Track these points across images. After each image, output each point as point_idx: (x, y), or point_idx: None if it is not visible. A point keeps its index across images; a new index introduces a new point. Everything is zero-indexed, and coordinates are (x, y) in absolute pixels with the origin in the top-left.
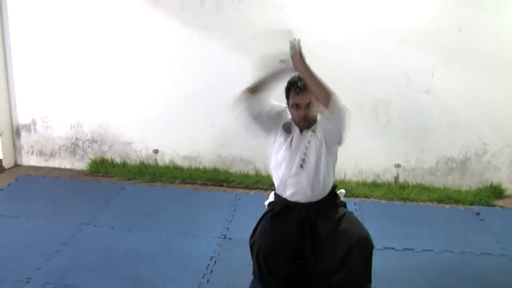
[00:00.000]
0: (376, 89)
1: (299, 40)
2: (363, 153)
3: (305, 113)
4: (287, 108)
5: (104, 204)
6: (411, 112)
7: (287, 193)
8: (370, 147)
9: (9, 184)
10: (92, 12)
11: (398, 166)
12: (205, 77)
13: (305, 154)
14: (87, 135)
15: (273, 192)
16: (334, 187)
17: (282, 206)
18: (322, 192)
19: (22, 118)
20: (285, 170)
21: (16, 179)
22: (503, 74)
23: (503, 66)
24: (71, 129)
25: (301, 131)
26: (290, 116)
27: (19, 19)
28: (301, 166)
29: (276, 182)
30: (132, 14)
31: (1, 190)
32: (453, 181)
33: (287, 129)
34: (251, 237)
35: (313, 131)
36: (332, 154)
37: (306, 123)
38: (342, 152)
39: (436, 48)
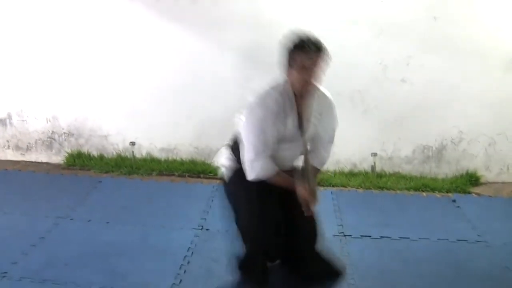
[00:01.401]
0: (352, 79)
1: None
2: (340, 143)
3: (310, 78)
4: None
5: (82, 197)
6: (387, 102)
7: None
8: (347, 137)
9: None
10: (66, 3)
11: (375, 155)
12: (181, 69)
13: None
14: (63, 129)
15: (228, 149)
16: None
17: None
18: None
19: None
20: (282, 158)
21: None
22: (478, 62)
23: (479, 55)
24: (47, 122)
25: (299, 113)
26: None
27: None
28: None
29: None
30: (106, 6)
31: None
32: (429, 169)
33: (283, 121)
34: (238, 220)
35: (318, 116)
36: None
37: (310, 89)
38: None
39: (412, 37)
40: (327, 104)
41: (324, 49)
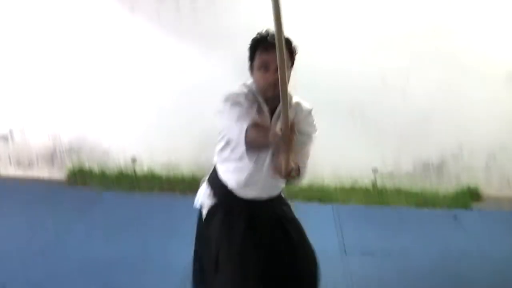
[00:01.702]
0: (352, 93)
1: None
2: (340, 158)
3: (274, 78)
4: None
5: (82, 212)
6: (387, 116)
7: (249, 195)
8: (347, 152)
9: None
10: (68, 20)
11: (375, 170)
12: (182, 84)
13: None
14: (65, 144)
15: (206, 184)
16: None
17: (234, 218)
18: (281, 186)
19: None
20: (253, 170)
21: None
22: (478, 75)
23: (478, 68)
24: (49, 138)
25: (270, 110)
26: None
27: None
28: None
29: (232, 180)
30: (108, 21)
31: None
32: (430, 184)
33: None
34: (216, 269)
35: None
36: None
37: (275, 91)
38: (319, 157)
39: (411, 51)
40: (304, 113)
41: (287, 44)
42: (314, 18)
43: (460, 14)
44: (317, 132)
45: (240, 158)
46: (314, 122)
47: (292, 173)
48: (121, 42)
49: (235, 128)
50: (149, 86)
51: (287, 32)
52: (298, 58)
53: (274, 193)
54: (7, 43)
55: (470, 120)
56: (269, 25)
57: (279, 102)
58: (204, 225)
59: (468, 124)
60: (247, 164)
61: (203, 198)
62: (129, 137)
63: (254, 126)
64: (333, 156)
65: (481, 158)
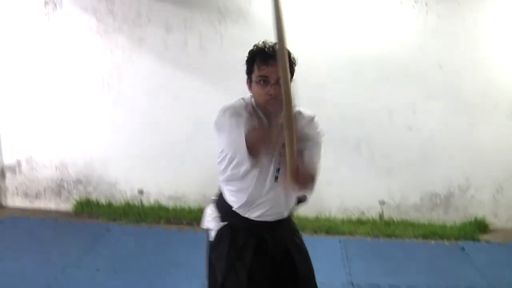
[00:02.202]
0: (359, 126)
1: None
2: (347, 190)
3: (275, 91)
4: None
5: (90, 245)
6: (394, 148)
7: (254, 215)
8: (354, 184)
9: None
10: (77, 52)
11: (382, 202)
12: (189, 117)
13: (279, 163)
14: (72, 176)
15: (212, 205)
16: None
17: (244, 243)
18: (292, 206)
19: (7, 159)
20: (255, 187)
21: (1, 221)
22: (484, 108)
23: (484, 101)
24: (56, 170)
25: (270, 124)
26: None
27: (3, 61)
28: (276, 179)
29: (236, 201)
30: (116, 54)
31: None
32: (437, 217)
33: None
34: None
35: None
36: None
37: (276, 106)
38: (327, 189)
39: (418, 84)
40: (307, 119)
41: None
42: (321, 51)
43: (465, 50)
44: (323, 138)
45: (243, 176)
46: (319, 129)
47: (299, 175)
48: (129, 74)
49: (235, 134)
50: (156, 118)
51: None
52: (305, 91)
53: (281, 214)
54: (15, 74)
55: (476, 152)
56: None
57: (277, 116)
58: (211, 249)
59: (474, 157)
60: (250, 182)
61: (210, 220)
62: (136, 169)
63: (254, 129)
64: (340, 188)
65: (488, 190)
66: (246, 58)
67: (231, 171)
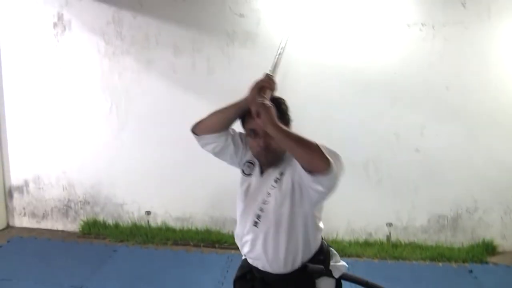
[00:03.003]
0: (366, 148)
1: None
2: (354, 212)
3: (265, 143)
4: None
5: (96, 266)
6: (401, 170)
7: (245, 251)
8: (361, 206)
9: (0, 246)
10: (85, 73)
11: (390, 224)
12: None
13: (261, 210)
14: (79, 197)
15: None
16: (305, 265)
17: (246, 272)
18: (283, 266)
19: (14, 180)
20: (239, 224)
21: (8, 241)
22: (491, 131)
23: (491, 123)
24: (64, 190)
25: (262, 171)
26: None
27: (12, 81)
28: (255, 225)
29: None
30: (124, 76)
31: None
32: (445, 239)
33: (247, 168)
34: None
35: (279, 176)
36: (305, 215)
37: (267, 157)
38: (334, 211)
39: (425, 106)
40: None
41: (276, 104)
42: (329, 73)
43: (472, 72)
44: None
45: (238, 201)
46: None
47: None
48: (137, 96)
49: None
50: (163, 140)
51: (303, 87)
52: (315, 111)
53: (273, 267)
54: (24, 95)
55: (484, 174)
56: (282, 79)
57: (272, 166)
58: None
59: (482, 178)
60: (239, 211)
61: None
62: (143, 190)
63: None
64: (348, 209)
65: (496, 212)
66: None
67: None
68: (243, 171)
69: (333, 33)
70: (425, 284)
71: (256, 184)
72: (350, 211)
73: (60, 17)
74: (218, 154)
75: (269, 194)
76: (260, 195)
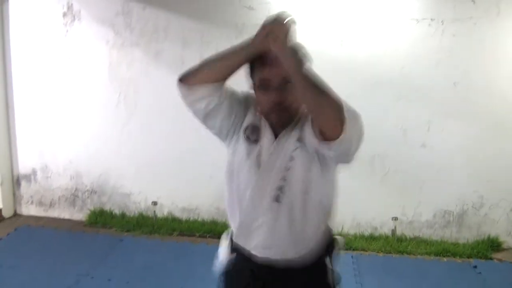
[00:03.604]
0: (372, 143)
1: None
2: (360, 206)
3: (280, 97)
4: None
5: (103, 256)
6: (407, 166)
7: (252, 244)
8: (367, 200)
9: (8, 234)
10: (94, 64)
11: (395, 219)
12: (204, 130)
13: (284, 179)
14: (86, 186)
15: (227, 237)
16: (331, 237)
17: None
18: (309, 244)
19: (22, 168)
20: (250, 205)
21: (15, 229)
22: (497, 128)
23: (498, 119)
24: (71, 179)
25: (275, 134)
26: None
27: (22, 71)
28: (277, 200)
29: (233, 224)
30: (133, 68)
31: (0, 240)
32: (450, 234)
33: (251, 134)
34: None
35: (299, 136)
36: (331, 177)
37: (282, 115)
38: (340, 205)
39: (432, 102)
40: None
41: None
42: (335, 68)
43: (480, 68)
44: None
45: (238, 172)
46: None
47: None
48: (146, 88)
49: None
50: (171, 130)
51: None
52: None
53: (286, 254)
54: (33, 84)
55: (491, 170)
56: None
57: (284, 128)
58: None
59: (489, 175)
60: (246, 176)
61: (221, 251)
62: (150, 181)
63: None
64: (354, 204)
65: (502, 208)
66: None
67: (226, 169)
68: (247, 138)
69: (341, 28)
70: (429, 279)
71: (269, 150)
72: (356, 205)
73: (69, 7)
74: (208, 116)
75: (292, 158)
76: (278, 162)
